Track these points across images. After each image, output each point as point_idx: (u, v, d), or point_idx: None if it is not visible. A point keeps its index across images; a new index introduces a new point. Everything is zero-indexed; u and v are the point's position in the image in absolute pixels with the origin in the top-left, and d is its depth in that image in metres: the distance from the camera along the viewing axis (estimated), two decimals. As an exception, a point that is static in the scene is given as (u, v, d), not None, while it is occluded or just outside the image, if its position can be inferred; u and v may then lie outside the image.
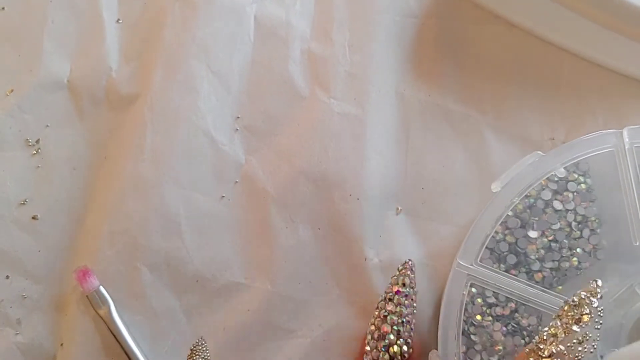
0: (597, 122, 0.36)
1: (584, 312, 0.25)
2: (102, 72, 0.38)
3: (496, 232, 0.32)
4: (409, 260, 0.32)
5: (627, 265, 0.31)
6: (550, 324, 0.26)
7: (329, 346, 0.35)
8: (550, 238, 0.32)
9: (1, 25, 0.39)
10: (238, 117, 0.37)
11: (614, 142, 0.32)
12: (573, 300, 0.26)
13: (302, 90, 0.38)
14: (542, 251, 0.32)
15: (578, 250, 0.32)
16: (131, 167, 0.36)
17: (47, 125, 0.37)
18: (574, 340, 0.25)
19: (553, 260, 0.32)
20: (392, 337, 0.30)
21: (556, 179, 0.32)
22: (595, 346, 0.25)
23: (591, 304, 0.25)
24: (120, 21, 0.39)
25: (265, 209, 0.36)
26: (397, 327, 0.30)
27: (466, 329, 0.32)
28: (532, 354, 0.25)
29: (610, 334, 0.30)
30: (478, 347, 0.32)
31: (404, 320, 0.31)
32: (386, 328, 0.30)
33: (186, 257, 0.36)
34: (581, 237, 0.32)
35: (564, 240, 0.32)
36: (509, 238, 0.32)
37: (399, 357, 0.30)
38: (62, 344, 0.35)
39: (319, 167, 0.36)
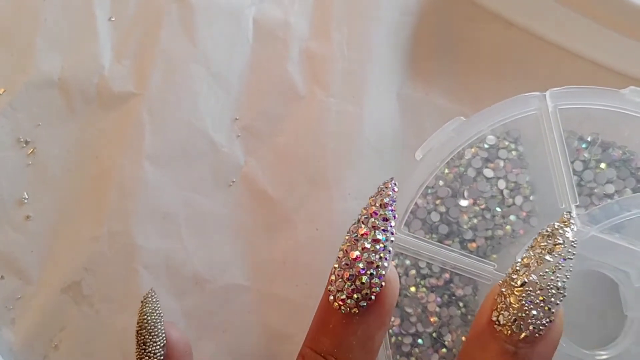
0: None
1: (557, 242, 0.25)
2: (94, 70, 0.38)
3: (427, 203, 0.32)
4: (392, 179, 0.27)
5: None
6: (523, 255, 0.26)
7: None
8: (482, 206, 0.32)
9: (-6, 23, 0.39)
10: (237, 119, 0.37)
11: (537, 105, 0.31)
12: (546, 231, 0.26)
13: (301, 90, 0.38)
14: (475, 220, 0.32)
15: (511, 217, 0.32)
16: (129, 168, 0.37)
17: (39, 124, 0.38)
18: (547, 270, 0.25)
19: (486, 229, 0.32)
20: (361, 265, 0.25)
21: (486, 146, 0.32)
22: (568, 276, 0.25)
23: (564, 233, 0.25)
24: (113, 19, 0.39)
25: (264, 209, 0.36)
26: (368, 254, 0.25)
27: (400, 301, 0.32)
28: (505, 285, 0.25)
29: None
30: (413, 319, 0.32)
31: (378, 247, 0.25)
32: (355, 255, 0.25)
33: (185, 259, 0.36)
34: (514, 204, 0.32)
35: (497, 208, 0.32)
36: (440, 208, 0.32)
37: (367, 291, 0.25)
38: (55, 345, 0.36)
39: (317, 167, 0.37)
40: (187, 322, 0.35)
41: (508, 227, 0.32)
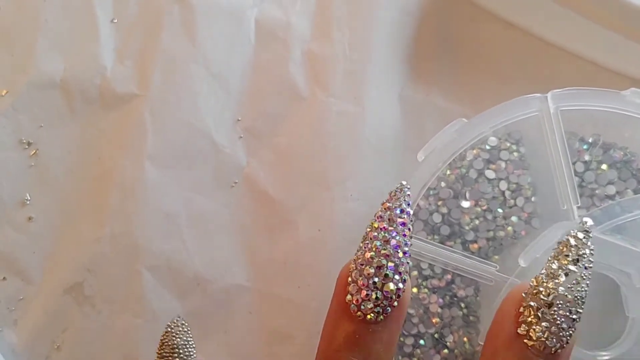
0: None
1: (580, 252, 0.25)
2: (96, 71, 0.38)
3: (429, 204, 0.32)
4: (405, 183, 0.27)
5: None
6: (546, 266, 0.25)
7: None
8: (484, 207, 0.32)
9: (-5, 25, 0.39)
10: (238, 120, 0.37)
11: (538, 106, 0.31)
12: (569, 241, 0.25)
13: (302, 91, 0.38)
14: (477, 221, 0.32)
15: (513, 218, 0.32)
16: (131, 169, 0.37)
17: (41, 126, 0.37)
18: (574, 281, 0.25)
19: (488, 230, 0.32)
20: (388, 273, 0.25)
21: (488, 147, 0.32)
22: (589, 284, 0.25)
23: (586, 242, 0.25)
24: (115, 20, 0.38)
25: (265, 210, 0.36)
26: (394, 260, 0.25)
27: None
28: (531, 297, 0.25)
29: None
30: (415, 320, 0.32)
31: (400, 253, 0.25)
32: (384, 262, 0.25)
33: (187, 259, 0.36)
34: (515, 205, 0.32)
35: (498, 210, 0.32)
36: (442, 209, 0.32)
37: (394, 296, 0.25)
38: (57, 346, 0.36)
39: (318, 167, 0.36)
40: (188, 323, 0.35)
41: (510, 228, 0.32)
